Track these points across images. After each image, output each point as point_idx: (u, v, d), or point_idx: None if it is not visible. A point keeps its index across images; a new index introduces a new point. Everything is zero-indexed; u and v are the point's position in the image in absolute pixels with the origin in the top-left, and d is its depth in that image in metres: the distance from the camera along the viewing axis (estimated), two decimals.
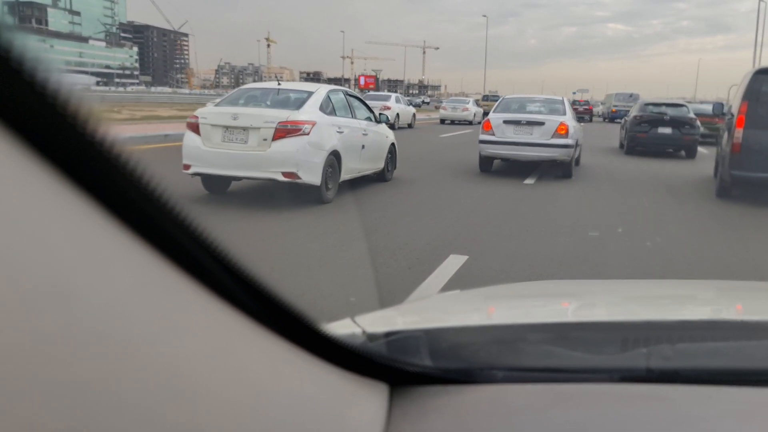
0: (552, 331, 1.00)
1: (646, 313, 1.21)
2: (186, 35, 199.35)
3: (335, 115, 7.33)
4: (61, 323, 0.31)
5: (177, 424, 0.38)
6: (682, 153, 15.16)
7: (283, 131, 6.42)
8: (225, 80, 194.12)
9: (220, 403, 0.43)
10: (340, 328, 0.85)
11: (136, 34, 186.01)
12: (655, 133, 14.95)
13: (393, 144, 9.10)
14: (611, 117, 35.01)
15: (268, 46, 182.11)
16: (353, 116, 7.88)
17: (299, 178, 6.39)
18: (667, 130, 14.97)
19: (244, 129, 6.45)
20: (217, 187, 6.99)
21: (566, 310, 1.31)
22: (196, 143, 6.53)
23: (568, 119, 10.12)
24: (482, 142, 10.18)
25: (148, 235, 0.39)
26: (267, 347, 0.53)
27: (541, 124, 9.83)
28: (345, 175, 7.30)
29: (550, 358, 0.88)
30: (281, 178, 6.37)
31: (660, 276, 4.43)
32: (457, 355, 0.87)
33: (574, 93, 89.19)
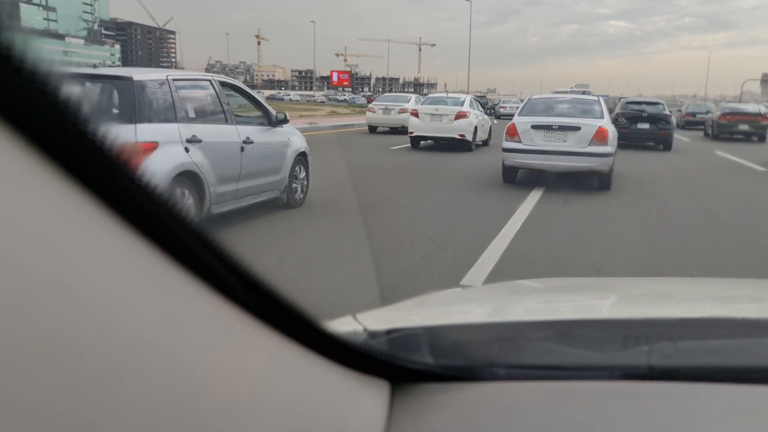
0: (553, 329, 1.00)
1: (647, 311, 1.21)
2: (173, 33, 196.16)
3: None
4: (64, 321, 0.31)
5: (180, 420, 0.38)
6: (660, 146, 16.58)
7: (459, 115, 14.51)
8: None
9: (222, 400, 0.43)
10: (342, 325, 0.86)
11: (119, 31, 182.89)
12: (635, 129, 16.57)
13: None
14: None
15: (259, 43, 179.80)
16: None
17: (465, 137, 14.42)
18: (646, 126, 16.60)
19: (441, 115, 14.63)
20: (417, 143, 15.01)
21: (567, 307, 1.31)
22: (416, 121, 14.77)
23: (607, 122, 8.73)
24: (506, 150, 8.68)
25: (150, 233, 0.39)
26: (269, 345, 0.53)
27: (577, 129, 8.39)
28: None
29: (551, 356, 0.88)
30: (458, 137, 14.49)
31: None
32: (458, 352, 0.87)
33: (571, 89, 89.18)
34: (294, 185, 6.65)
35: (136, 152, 4.38)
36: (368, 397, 0.69)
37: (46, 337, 0.30)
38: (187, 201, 4.85)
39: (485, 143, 16.08)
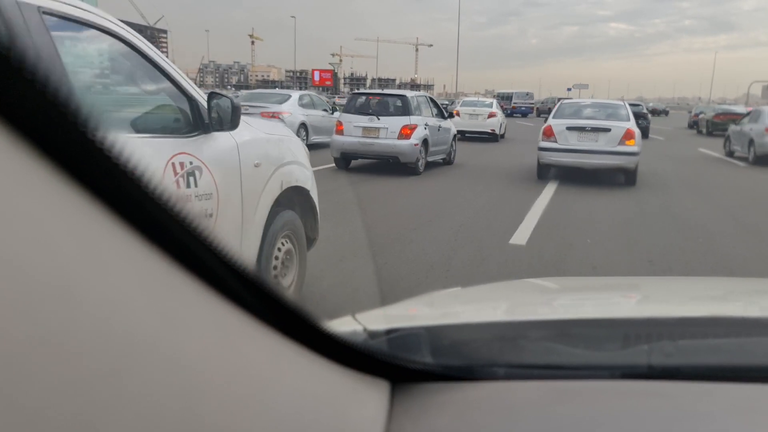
0: (553, 328, 1.00)
1: (647, 310, 1.21)
2: (164, 32, 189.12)
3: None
4: (64, 321, 0.31)
5: (180, 421, 0.38)
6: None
7: (490, 115, 19.76)
8: (210, 80, 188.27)
9: (222, 400, 0.43)
10: (342, 325, 0.85)
11: None
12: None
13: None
14: (511, 112, 41.65)
15: (252, 43, 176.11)
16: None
17: (495, 132, 19.50)
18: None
19: (477, 115, 19.30)
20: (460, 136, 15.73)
21: (567, 306, 1.31)
22: (458, 120, 17.74)
23: (633, 125, 9.77)
24: (542, 149, 9.81)
25: (150, 233, 0.39)
26: (268, 345, 0.53)
27: (607, 130, 9.52)
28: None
29: (551, 355, 0.88)
30: (489, 131, 19.53)
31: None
32: (458, 351, 0.87)
33: (569, 89, 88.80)
34: (451, 152, 12.44)
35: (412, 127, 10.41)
36: (368, 397, 0.68)
37: (46, 337, 0.30)
38: (421, 155, 10.59)
39: (503, 136, 21.13)
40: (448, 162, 12.33)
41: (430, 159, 11.10)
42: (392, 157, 10.28)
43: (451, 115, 13.59)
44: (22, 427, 0.29)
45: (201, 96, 2.71)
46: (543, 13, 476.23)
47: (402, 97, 10.90)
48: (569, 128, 9.69)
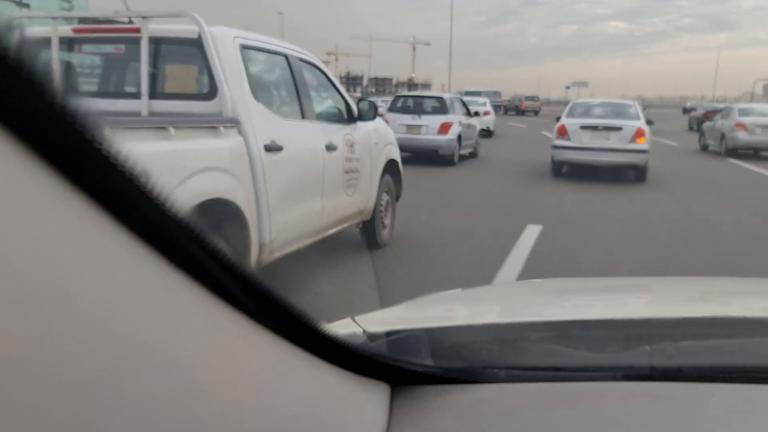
0: (554, 330, 0.99)
1: (648, 311, 1.20)
2: None
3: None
4: (61, 323, 0.31)
5: (178, 423, 0.38)
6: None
7: (486, 113, 21.14)
8: None
9: (220, 403, 0.42)
10: (341, 327, 0.85)
11: None
12: None
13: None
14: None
15: None
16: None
17: (490, 129, 20.95)
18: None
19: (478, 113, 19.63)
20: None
21: (568, 307, 1.30)
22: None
23: (643, 123, 10.18)
24: (557, 147, 10.23)
25: (147, 235, 0.38)
26: (267, 347, 0.52)
27: (619, 129, 9.90)
28: None
29: (552, 357, 0.88)
30: (486, 129, 20.08)
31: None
32: (458, 354, 0.87)
33: (567, 88, 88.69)
34: (476, 146, 13.92)
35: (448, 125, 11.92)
36: (368, 399, 0.68)
37: (44, 338, 0.30)
38: (456, 149, 12.10)
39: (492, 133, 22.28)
40: (474, 155, 13.74)
41: (461, 152, 12.60)
42: (433, 151, 11.75)
43: (477, 114, 15.78)
44: (21, 428, 0.29)
45: (351, 99, 4.63)
46: (542, 12, 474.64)
47: (440, 98, 12.66)
48: (583, 127, 10.06)
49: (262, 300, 0.51)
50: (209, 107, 3.21)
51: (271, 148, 3.28)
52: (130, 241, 0.37)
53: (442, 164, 11.76)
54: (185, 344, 0.40)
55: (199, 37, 3.12)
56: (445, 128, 11.80)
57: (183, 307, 0.42)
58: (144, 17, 3.15)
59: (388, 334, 0.84)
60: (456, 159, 12.16)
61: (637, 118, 10.37)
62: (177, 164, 2.59)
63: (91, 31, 3.57)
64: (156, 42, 3.25)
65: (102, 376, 0.33)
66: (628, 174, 10.14)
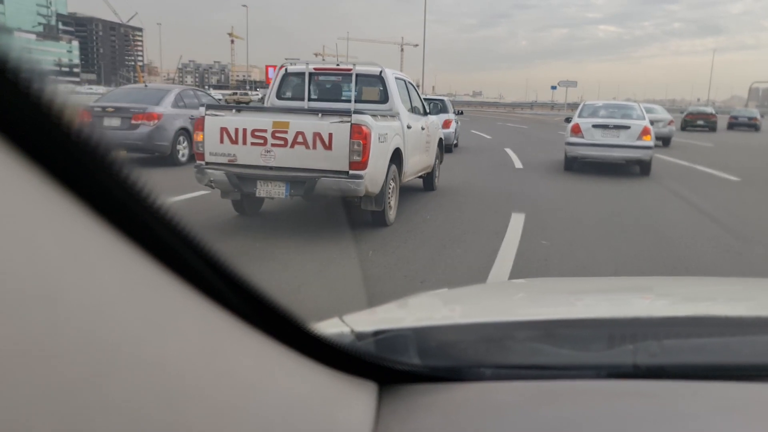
0: (539, 329, 1.00)
1: (632, 310, 1.22)
2: (139, 29, 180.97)
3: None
4: (48, 324, 0.31)
5: (167, 424, 0.38)
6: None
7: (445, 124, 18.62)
8: (189, 79, 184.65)
9: (208, 403, 0.42)
10: (329, 327, 0.85)
11: (79, 27, 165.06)
12: None
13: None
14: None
15: (232, 42, 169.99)
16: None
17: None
18: None
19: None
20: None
21: (553, 307, 1.31)
22: None
23: (649, 122, 11.37)
24: (570, 144, 11.26)
25: (135, 236, 0.38)
26: (255, 347, 0.52)
27: (627, 127, 11.01)
28: None
29: (537, 356, 0.88)
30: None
31: None
32: (445, 353, 0.87)
33: (553, 88, 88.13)
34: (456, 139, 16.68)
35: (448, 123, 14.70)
36: (356, 398, 0.68)
37: (30, 340, 0.30)
38: (455, 138, 15.84)
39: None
40: (455, 145, 16.14)
41: (454, 142, 15.30)
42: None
43: (461, 113, 17.65)
44: (7, 430, 0.28)
45: (424, 100, 8.36)
46: (532, 15, 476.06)
47: (442, 101, 15.74)
48: (595, 126, 11.13)
49: (250, 300, 0.51)
50: (384, 108, 6.72)
51: (408, 127, 6.70)
52: (118, 242, 0.37)
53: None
54: (174, 344, 0.40)
55: (381, 73, 6.92)
56: (447, 123, 13.88)
57: (172, 307, 0.42)
58: (354, 64, 7.00)
59: (376, 333, 0.84)
60: (453, 148, 14.43)
61: (642, 118, 11.51)
62: (387, 131, 5.90)
63: (323, 71, 7.26)
64: (358, 76, 6.98)
65: (89, 377, 0.33)
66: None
